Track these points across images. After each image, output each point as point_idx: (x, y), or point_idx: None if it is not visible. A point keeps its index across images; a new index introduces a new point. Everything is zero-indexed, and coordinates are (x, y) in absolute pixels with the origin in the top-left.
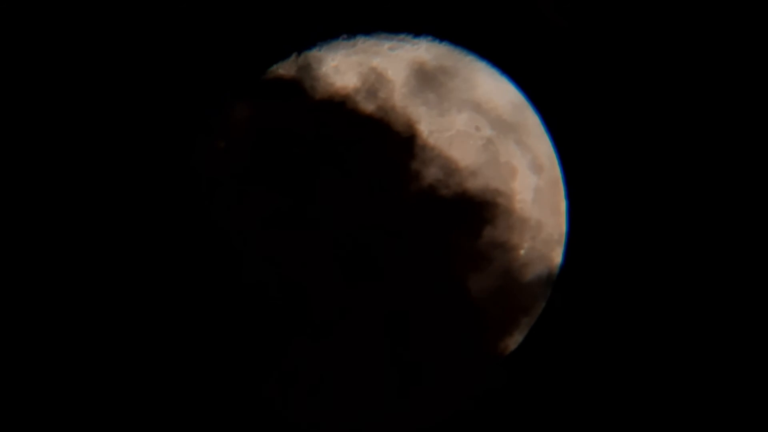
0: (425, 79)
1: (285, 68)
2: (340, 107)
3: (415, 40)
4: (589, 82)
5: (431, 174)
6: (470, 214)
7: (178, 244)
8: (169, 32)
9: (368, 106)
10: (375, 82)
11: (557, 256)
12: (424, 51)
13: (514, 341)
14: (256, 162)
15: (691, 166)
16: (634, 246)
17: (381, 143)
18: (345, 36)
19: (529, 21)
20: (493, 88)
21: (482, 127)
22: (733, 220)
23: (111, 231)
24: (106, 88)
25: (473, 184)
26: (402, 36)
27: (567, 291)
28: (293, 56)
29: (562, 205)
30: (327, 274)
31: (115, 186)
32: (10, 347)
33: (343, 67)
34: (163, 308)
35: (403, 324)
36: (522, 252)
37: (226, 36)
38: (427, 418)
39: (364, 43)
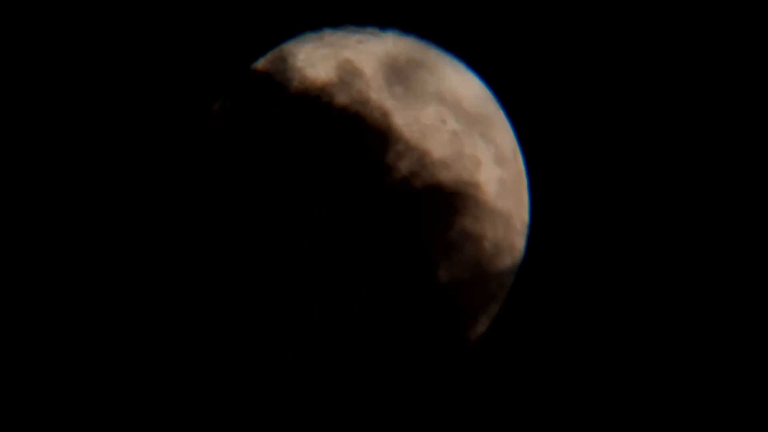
0: (392, 72)
1: (263, 64)
2: (328, 102)
3: (382, 34)
4: (554, 76)
5: (405, 166)
6: (442, 206)
7: (177, 244)
8: (157, 32)
9: (343, 99)
10: (348, 75)
11: (520, 246)
12: (392, 44)
13: (481, 328)
14: (256, 162)
15: (656, 157)
16: (596, 236)
17: (363, 137)
18: (312, 30)
19: (495, 15)
20: (458, 82)
21: (448, 120)
22: (701, 213)
23: (110, 231)
24: (99, 89)
25: (443, 176)
26: (369, 29)
27: (529, 280)
28: (270, 52)
29: (525, 196)
30: (327, 274)
31: (113, 186)
32: (10, 347)
33: (314, 60)
34: (163, 308)
35: (403, 323)
36: (489, 242)
37: (205, 33)
38: (427, 417)
39: (331, 36)
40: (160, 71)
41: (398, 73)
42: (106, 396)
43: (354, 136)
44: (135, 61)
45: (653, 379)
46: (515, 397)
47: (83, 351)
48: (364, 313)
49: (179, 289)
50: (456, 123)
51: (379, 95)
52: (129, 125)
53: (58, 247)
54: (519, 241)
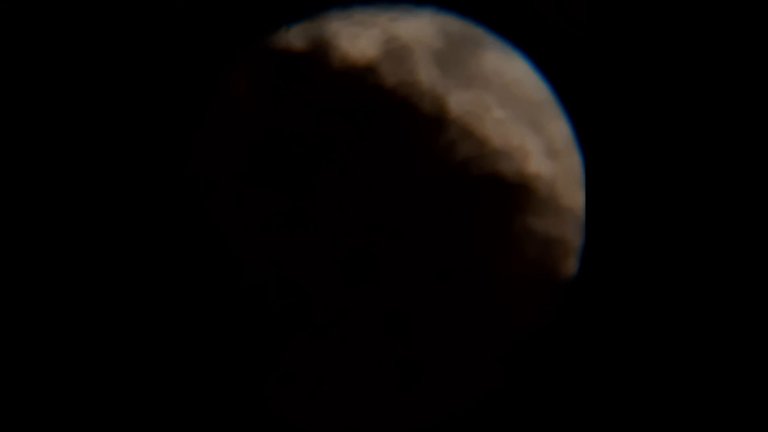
0: (428, 53)
1: (277, 42)
2: (337, 84)
3: (418, 11)
4: (610, 55)
5: (447, 155)
6: (500, 198)
7: (177, 244)
8: (158, 27)
9: (374, 80)
10: (377, 55)
11: (574, 245)
12: (428, 22)
13: (535, 329)
14: (256, 162)
15: (717, 157)
16: (654, 237)
17: (391, 121)
18: (340, 6)
19: None
20: (503, 64)
21: (492, 107)
22: (757, 217)
23: (108, 231)
24: (96, 86)
25: (500, 166)
26: (403, 6)
27: (580, 283)
28: (283, 30)
29: (580, 193)
30: (327, 274)
31: (111, 186)
32: (8, 348)
33: (342, 39)
34: (162, 308)
35: (404, 323)
36: (549, 240)
37: (213, 21)
38: (427, 417)
39: (361, 14)
40: (158, 69)
41: (437, 54)
42: (106, 396)
43: (387, 121)
44: (132, 58)
45: (654, 379)
46: (515, 397)
47: (83, 351)
48: (365, 313)
49: (179, 289)
50: (500, 109)
51: (410, 78)
52: (126, 123)
53: (55, 249)
54: (576, 241)
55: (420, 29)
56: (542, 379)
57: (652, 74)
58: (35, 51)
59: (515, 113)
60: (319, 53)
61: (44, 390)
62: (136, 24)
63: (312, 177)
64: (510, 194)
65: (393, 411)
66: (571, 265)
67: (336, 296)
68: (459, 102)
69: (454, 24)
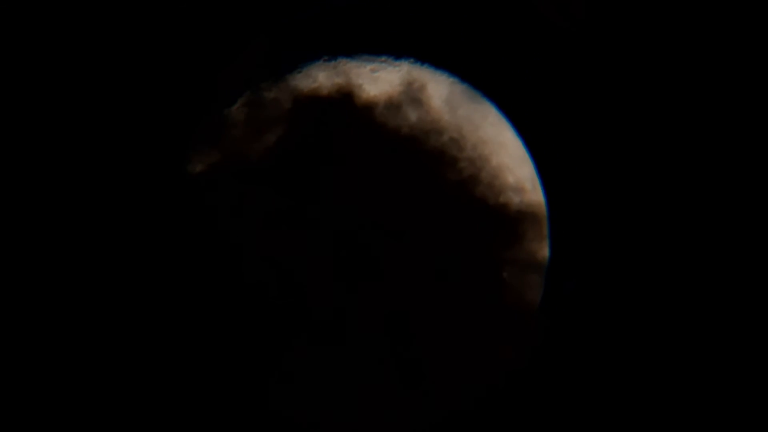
0: (406, 101)
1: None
2: (332, 116)
3: (397, 63)
4: (573, 104)
5: (424, 180)
6: (509, 227)
7: (177, 244)
8: (158, 28)
9: (397, 116)
10: (400, 93)
11: (541, 277)
12: (406, 73)
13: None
14: (257, 162)
15: (679, 188)
16: (618, 270)
17: (369, 151)
18: (326, 57)
19: (510, 43)
20: (473, 111)
21: (464, 148)
22: (710, 253)
23: (108, 231)
24: (97, 87)
25: (508, 199)
26: (383, 58)
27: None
28: (272, 78)
29: (545, 228)
30: (327, 274)
31: (111, 186)
32: (7, 348)
33: (363, 82)
34: (162, 308)
35: (404, 323)
36: (517, 269)
37: (213, 22)
38: (427, 417)
39: (345, 65)
40: (158, 70)
41: (412, 102)
42: (105, 396)
43: (365, 151)
44: (132, 60)
45: (654, 379)
46: (515, 397)
47: (83, 351)
48: (365, 313)
49: (180, 289)
50: (472, 152)
51: (392, 122)
52: (127, 124)
53: (56, 249)
54: (539, 272)
55: (396, 80)
56: (542, 379)
57: (610, 123)
58: (36, 52)
59: (485, 155)
60: (342, 94)
61: (44, 389)
62: (136, 25)
63: (313, 177)
64: (516, 223)
65: (393, 410)
66: (539, 279)
67: (336, 296)
68: (465, 139)
69: (429, 75)
